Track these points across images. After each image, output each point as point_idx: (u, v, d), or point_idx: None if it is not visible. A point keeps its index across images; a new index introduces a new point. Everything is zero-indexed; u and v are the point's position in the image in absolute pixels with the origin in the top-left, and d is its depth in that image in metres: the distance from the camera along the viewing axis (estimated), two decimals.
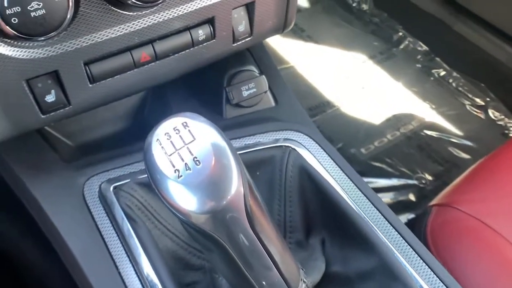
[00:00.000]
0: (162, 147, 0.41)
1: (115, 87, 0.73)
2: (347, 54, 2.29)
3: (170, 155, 0.40)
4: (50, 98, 0.68)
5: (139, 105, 0.95)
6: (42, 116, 0.69)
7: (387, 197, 1.72)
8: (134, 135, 0.94)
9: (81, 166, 0.79)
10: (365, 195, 0.74)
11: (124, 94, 0.78)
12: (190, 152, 0.40)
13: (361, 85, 2.15)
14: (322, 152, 0.77)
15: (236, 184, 0.40)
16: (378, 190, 1.75)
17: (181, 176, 0.39)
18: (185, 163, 0.39)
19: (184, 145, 0.41)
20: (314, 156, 0.75)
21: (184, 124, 0.42)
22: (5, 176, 0.82)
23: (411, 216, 1.70)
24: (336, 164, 0.76)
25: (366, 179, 1.80)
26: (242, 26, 0.82)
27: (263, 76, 0.89)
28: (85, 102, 0.72)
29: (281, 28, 0.89)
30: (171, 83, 0.82)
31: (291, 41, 2.35)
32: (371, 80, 2.18)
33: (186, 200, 0.39)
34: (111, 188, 0.73)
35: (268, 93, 0.92)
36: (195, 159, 0.40)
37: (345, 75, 2.20)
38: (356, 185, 0.75)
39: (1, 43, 0.59)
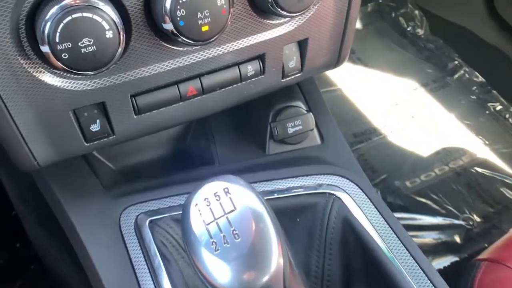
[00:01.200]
0: (200, 213, 0.39)
1: (160, 118, 0.72)
2: (398, 80, 2.21)
3: (208, 224, 0.38)
4: (94, 127, 0.68)
5: (183, 132, 0.94)
6: (86, 144, 0.69)
7: (430, 237, 1.63)
8: (176, 163, 0.93)
9: (119, 194, 0.79)
10: (410, 254, 0.69)
11: (168, 126, 0.77)
12: (229, 223, 0.37)
13: (410, 113, 2.07)
14: (368, 202, 0.73)
15: (275, 262, 0.37)
16: (421, 228, 1.66)
17: (218, 249, 0.36)
18: (223, 235, 0.37)
19: (223, 215, 0.38)
20: (359, 207, 0.71)
21: (226, 190, 0.39)
22: (46, 197, 0.83)
23: (455, 259, 1.60)
24: (382, 216, 0.71)
25: (408, 215, 1.72)
26: (292, 62, 0.79)
27: (311, 113, 0.85)
28: (128, 132, 0.71)
29: (333, 64, 0.85)
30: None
31: None
32: (421, 109, 2.09)
33: (222, 274, 0.37)
34: (147, 222, 0.72)
35: (315, 130, 0.89)
36: (234, 231, 0.37)
37: (395, 102, 2.12)
38: (402, 243, 0.70)
39: (50, 74, 0.60)
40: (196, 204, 0.39)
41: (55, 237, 0.97)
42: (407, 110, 2.08)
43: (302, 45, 0.78)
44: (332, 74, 2.23)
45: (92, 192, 0.78)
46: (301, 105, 0.87)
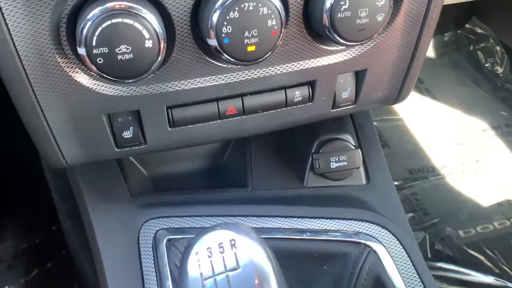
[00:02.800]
0: (199, 264, 0.34)
1: (194, 134, 0.68)
2: (466, 118, 2.05)
3: (206, 279, 0.33)
4: (127, 134, 0.66)
5: (221, 148, 0.90)
6: (116, 150, 0.67)
7: None
8: (208, 179, 0.89)
9: (145, 204, 0.76)
10: None
11: (202, 142, 0.73)
12: (228, 283, 0.32)
13: (475, 156, 1.90)
14: (408, 262, 0.64)
15: None
16: (469, 284, 1.51)
17: None
18: None
19: (224, 272, 0.33)
20: (397, 267, 0.63)
21: (232, 242, 0.34)
22: (75, 192, 0.82)
23: None
24: (422, 283, 0.62)
25: (456, 268, 1.57)
26: (346, 93, 0.72)
27: (358, 150, 0.78)
28: (161, 144, 0.68)
29: (392, 101, 0.77)
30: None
31: None
32: (488, 153, 1.92)
33: None
34: (165, 240, 0.69)
35: (361, 168, 0.81)
36: None
37: (460, 141, 1.96)
38: None
39: (87, 76, 0.58)
40: (197, 253, 0.35)
41: (80, 231, 0.97)
42: (472, 152, 1.92)
43: (359, 76, 0.71)
44: None
45: (118, 198, 0.76)
46: (349, 139, 0.80)
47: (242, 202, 0.75)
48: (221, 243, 0.34)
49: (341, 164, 0.77)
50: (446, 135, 1.97)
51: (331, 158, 0.77)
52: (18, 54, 0.52)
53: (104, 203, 0.75)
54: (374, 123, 2.14)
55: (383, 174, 0.80)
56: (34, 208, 1.51)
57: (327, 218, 0.71)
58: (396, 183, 1.81)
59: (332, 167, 0.77)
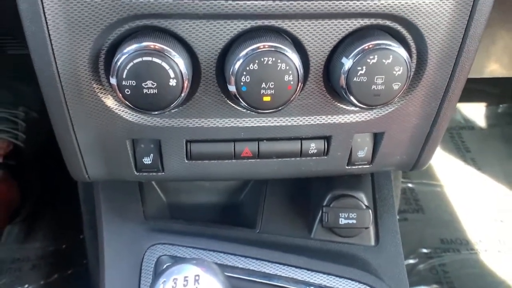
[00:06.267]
0: None
1: (210, 169, 0.71)
2: (510, 195, 1.96)
3: None
4: (147, 160, 0.70)
5: (239, 186, 0.93)
6: (135, 173, 0.71)
7: None
8: (223, 213, 0.92)
9: (155, 228, 0.80)
10: None
11: (217, 178, 0.76)
12: None
13: None
14: None
15: None
16: None
17: None
18: None
19: None
20: None
21: (196, 277, 0.36)
22: (96, 208, 0.87)
23: None
24: None
25: None
26: (362, 152, 0.73)
27: (369, 211, 0.78)
28: (177, 173, 0.72)
29: (409, 167, 0.77)
30: None
31: (450, 157, 2.11)
32: None
33: None
34: (165, 267, 0.71)
35: (371, 229, 0.81)
36: None
37: (500, 218, 1.87)
38: None
39: (116, 102, 0.63)
40: (164, 281, 0.37)
41: (97, 244, 1.01)
42: (511, 231, 1.81)
43: (377, 137, 0.72)
44: (437, 167, 2.06)
45: (131, 219, 0.80)
46: (362, 197, 0.80)
47: (247, 243, 0.76)
48: (186, 277, 0.37)
49: (350, 221, 0.77)
50: (486, 209, 1.88)
51: (340, 214, 0.77)
52: (59, 77, 0.59)
53: (117, 221, 0.79)
54: (411, 186, 2.10)
55: (393, 239, 0.79)
56: (67, 214, 1.60)
57: (326, 274, 0.71)
58: (425, 250, 1.75)
59: (340, 223, 0.77)
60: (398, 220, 1.85)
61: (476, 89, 2.19)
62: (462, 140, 2.21)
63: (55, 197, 1.62)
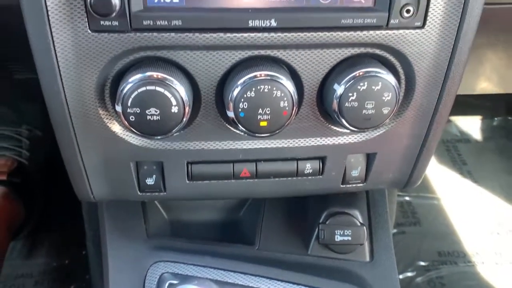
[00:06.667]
0: None
1: (210, 189, 0.74)
2: (508, 208, 1.98)
3: None
4: (150, 181, 0.73)
5: (239, 204, 0.95)
6: (139, 193, 0.74)
7: None
8: (223, 230, 0.94)
9: (158, 246, 0.83)
10: None
11: (217, 197, 0.79)
12: None
13: None
14: None
15: None
16: None
17: None
18: None
19: None
20: None
21: None
22: (100, 225, 0.90)
23: None
24: None
25: None
26: (356, 171, 0.76)
27: (364, 228, 0.81)
28: (179, 193, 0.75)
29: (402, 185, 0.80)
30: None
31: (446, 170, 2.14)
32: None
33: None
34: (167, 285, 0.74)
35: (366, 245, 0.83)
36: None
37: (497, 230, 1.89)
38: None
39: (121, 127, 0.66)
40: None
41: (101, 260, 1.04)
42: (508, 244, 1.84)
43: (370, 157, 0.75)
44: (433, 180, 2.09)
45: (135, 237, 0.83)
46: (357, 214, 0.83)
47: (246, 260, 0.79)
48: None
49: (345, 238, 0.80)
50: (483, 222, 1.91)
51: (336, 231, 0.80)
52: (67, 104, 0.62)
53: (121, 239, 0.82)
54: (409, 199, 2.12)
55: (387, 254, 0.82)
56: (70, 230, 1.62)
57: None
58: (423, 263, 1.77)
59: (336, 239, 0.80)
60: (396, 233, 1.88)
61: (471, 103, 2.23)
62: (458, 153, 2.24)
63: (58, 213, 1.65)
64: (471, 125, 2.34)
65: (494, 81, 1.18)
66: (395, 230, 1.83)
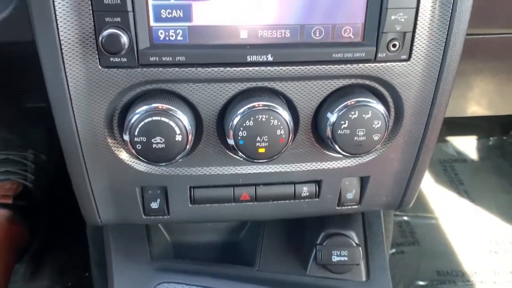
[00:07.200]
0: None
1: (212, 212, 0.78)
2: (505, 227, 2.01)
3: None
4: (154, 205, 0.77)
5: (239, 226, 0.99)
6: (144, 217, 0.78)
7: None
8: (223, 251, 0.98)
9: (161, 268, 0.86)
10: None
11: (218, 220, 0.83)
12: None
13: (509, 267, 1.84)
14: None
15: None
16: None
17: None
18: None
19: None
20: None
21: None
22: (105, 248, 0.93)
23: None
24: None
25: None
26: (351, 194, 0.80)
27: (359, 248, 0.84)
28: (182, 217, 0.79)
29: (395, 206, 0.84)
30: None
31: (443, 190, 2.17)
32: None
33: None
34: None
35: (362, 265, 0.86)
36: None
37: (494, 249, 1.91)
38: None
39: (128, 155, 0.70)
40: None
41: (105, 282, 1.07)
42: (506, 263, 1.86)
43: (364, 181, 0.79)
44: (431, 200, 2.12)
45: (139, 259, 0.86)
46: (353, 235, 0.87)
47: (246, 281, 0.82)
48: None
49: (342, 258, 0.83)
50: (480, 241, 1.93)
51: (333, 252, 0.83)
52: (78, 133, 0.66)
53: (126, 261, 0.85)
54: (407, 219, 2.15)
55: (383, 274, 0.85)
56: (73, 252, 1.65)
57: None
58: (421, 283, 1.78)
59: (333, 260, 0.83)
60: (395, 253, 1.90)
61: (466, 124, 2.28)
62: (455, 173, 2.28)
63: (62, 235, 1.67)
64: (467, 145, 2.39)
65: (483, 105, 1.23)
66: (394, 250, 1.86)
